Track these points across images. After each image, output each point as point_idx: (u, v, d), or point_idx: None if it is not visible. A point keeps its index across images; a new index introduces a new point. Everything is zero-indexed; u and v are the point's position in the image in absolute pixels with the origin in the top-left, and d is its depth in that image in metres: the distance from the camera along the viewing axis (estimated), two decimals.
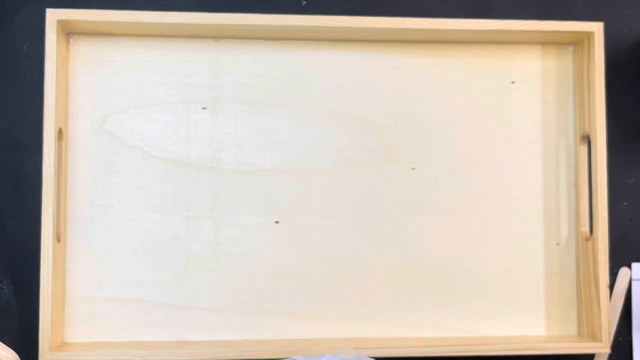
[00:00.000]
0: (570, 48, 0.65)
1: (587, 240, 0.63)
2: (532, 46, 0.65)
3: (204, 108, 0.62)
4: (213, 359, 0.58)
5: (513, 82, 0.65)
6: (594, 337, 0.61)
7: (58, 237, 0.59)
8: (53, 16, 0.58)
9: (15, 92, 0.61)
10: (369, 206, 0.63)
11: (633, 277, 0.65)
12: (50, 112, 0.58)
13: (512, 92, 0.65)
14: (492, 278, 0.64)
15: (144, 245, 0.61)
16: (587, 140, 0.63)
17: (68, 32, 0.61)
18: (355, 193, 0.63)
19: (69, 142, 0.61)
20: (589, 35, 0.62)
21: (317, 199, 0.63)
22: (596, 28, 0.62)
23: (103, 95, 0.62)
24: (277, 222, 0.62)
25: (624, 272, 0.65)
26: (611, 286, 0.65)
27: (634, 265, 0.65)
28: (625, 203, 0.66)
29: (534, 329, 0.64)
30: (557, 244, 0.65)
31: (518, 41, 0.65)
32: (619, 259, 0.65)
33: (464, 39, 0.64)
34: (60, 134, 0.59)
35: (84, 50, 0.62)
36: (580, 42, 0.64)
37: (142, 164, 0.62)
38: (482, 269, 0.64)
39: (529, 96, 0.65)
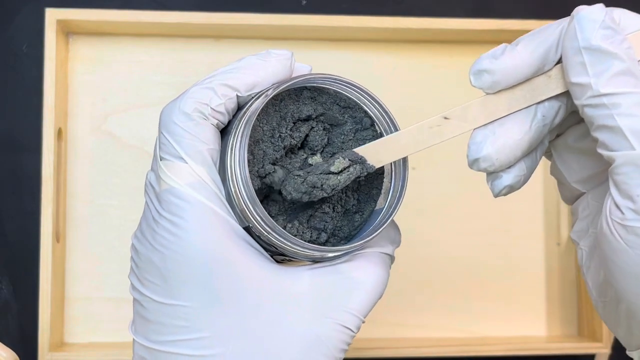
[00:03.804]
0: None
1: None
2: None
3: None
4: None
5: None
6: (595, 338, 0.61)
7: (57, 237, 0.58)
8: (52, 16, 0.58)
9: (15, 92, 0.61)
10: None
11: None
12: (50, 112, 0.57)
13: None
14: (492, 278, 0.64)
15: None
16: None
17: (67, 31, 0.61)
18: None
19: (69, 142, 0.61)
20: None
21: None
22: None
23: (102, 95, 0.62)
24: None
25: None
26: None
27: None
28: None
29: (534, 329, 0.64)
30: (558, 244, 0.64)
31: None
32: None
33: (464, 39, 0.64)
34: (59, 133, 0.59)
35: (83, 50, 0.61)
36: None
37: (142, 164, 0.62)
38: (482, 269, 0.64)
39: None
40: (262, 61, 0.36)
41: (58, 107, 0.58)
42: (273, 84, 0.36)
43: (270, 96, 0.35)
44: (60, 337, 0.59)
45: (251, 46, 0.63)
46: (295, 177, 0.36)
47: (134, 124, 0.62)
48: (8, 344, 0.58)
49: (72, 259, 0.60)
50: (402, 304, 0.63)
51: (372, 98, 0.38)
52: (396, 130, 0.38)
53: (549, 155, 0.39)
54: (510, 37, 0.64)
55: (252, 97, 0.36)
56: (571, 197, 0.39)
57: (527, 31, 0.61)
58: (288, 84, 0.36)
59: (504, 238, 0.64)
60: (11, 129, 0.61)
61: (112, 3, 0.62)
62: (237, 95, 0.36)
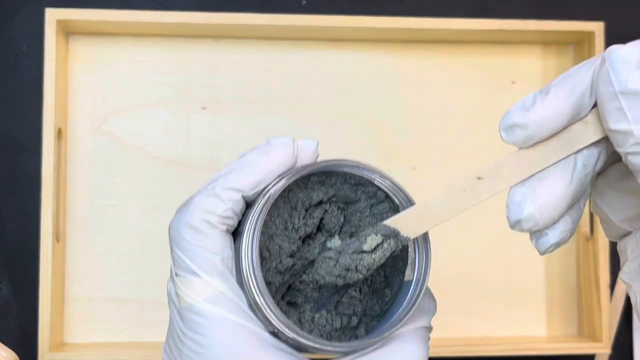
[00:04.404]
0: (571, 48, 0.65)
1: (587, 240, 0.63)
2: (533, 46, 0.65)
3: (204, 108, 0.62)
4: None
5: (514, 82, 0.65)
6: (595, 338, 0.61)
7: (57, 237, 0.58)
8: (52, 16, 0.58)
9: (15, 92, 0.61)
10: None
11: None
12: (50, 112, 0.57)
13: (512, 92, 0.65)
14: (492, 278, 0.64)
15: (144, 245, 0.61)
16: None
17: (67, 31, 0.61)
18: None
19: (68, 142, 0.61)
20: (590, 35, 0.62)
21: None
22: (597, 28, 0.61)
23: (102, 95, 0.62)
24: None
25: None
26: (612, 286, 0.64)
27: None
28: None
29: (534, 329, 0.64)
30: None
31: (518, 41, 0.64)
32: (619, 259, 0.65)
33: (464, 39, 0.64)
34: (59, 134, 0.59)
35: (83, 50, 0.61)
36: (580, 42, 0.64)
37: (142, 164, 0.62)
38: (482, 269, 0.64)
39: None
40: (264, 156, 0.35)
41: (58, 107, 0.58)
42: (279, 176, 0.35)
43: (274, 197, 0.34)
44: (60, 337, 0.59)
45: (251, 46, 0.62)
46: (327, 259, 0.34)
47: (134, 124, 0.62)
48: (8, 344, 0.58)
49: (72, 259, 0.60)
50: None
51: (382, 175, 0.36)
52: (411, 202, 0.36)
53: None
54: (510, 37, 0.64)
55: (259, 194, 0.35)
56: (617, 235, 0.37)
57: (527, 32, 0.62)
58: (292, 179, 0.34)
59: (504, 238, 0.64)
60: (11, 129, 0.61)
61: (112, 3, 0.62)
62: (243, 195, 0.34)
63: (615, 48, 0.30)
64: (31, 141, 0.61)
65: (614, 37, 0.65)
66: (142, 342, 0.60)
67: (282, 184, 0.34)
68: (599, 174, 0.35)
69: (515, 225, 0.34)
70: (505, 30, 0.62)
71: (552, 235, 0.34)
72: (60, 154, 0.59)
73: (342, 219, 0.37)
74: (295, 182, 0.35)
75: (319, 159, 0.36)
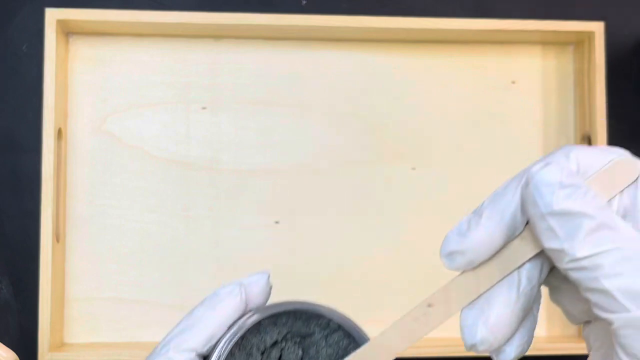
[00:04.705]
0: (571, 48, 0.65)
1: None
2: (533, 46, 0.65)
3: (204, 108, 0.62)
4: None
5: (513, 82, 0.65)
6: None
7: (57, 237, 0.58)
8: (52, 16, 0.58)
9: (14, 92, 0.61)
10: (369, 206, 0.63)
11: None
12: (50, 112, 0.57)
13: (512, 92, 0.65)
14: None
15: (143, 245, 0.61)
16: (588, 140, 0.63)
17: (67, 31, 0.61)
18: (355, 193, 0.63)
19: (68, 142, 0.61)
20: (590, 35, 0.62)
21: (317, 199, 0.63)
22: (597, 28, 0.61)
23: (102, 95, 0.62)
24: (277, 222, 0.62)
25: None
26: None
27: None
28: None
29: None
30: None
31: (518, 41, 0.64)
32: None
33: (464, 39, 0.64)
34: (59, 134, 0.59)
35: (83, 50, 0.61)
36: (580, 41, 0.64)
37: (142, 164, 0.62)
38: None
39: (529, 96, 0.65)
40: (212, 311, 0.35)
41: (58, 107, 0.58)
42: (230, 326, 0.35)
43: (227, 351, 0.34)
44: (60, 337, 0.59)
45: (251, 46, 0.63)
46: None
47: (134, 124, 0.62)
48: (8, 343, 0.58)
49: (72, 259, 0.60)
50: (403, 304, 0.63)
51: (330, 310, 0.37)
52: (360, 332, 0.37)
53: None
54: (510, 37, 0.64)
55: (214, 346, 0.35)
56: (578, 322, 0.37)
57: (527, 32, 0.62)
58: (240, 334, 0.35)
59: None
60: (11, 129, 0.61)
61: (111, 3, 0.62)
62: (197, 353, 0.35)
63: (537, 170, 0.30)
64: (31, 141, 0.61)
65: (614, 37, 0.65)
66: (142, 342, 0.60)
67: (233, 339, 0.34)
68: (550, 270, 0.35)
69: (471, 348, 0.34)
70: (505, 30, 0.62)
71: (510, 351, 0.33)
72: (60, 154, 0.59)
73: (300, 352, 0.37)
74: (248, 329, 0.35)
75: (271, 296, 0.38)
